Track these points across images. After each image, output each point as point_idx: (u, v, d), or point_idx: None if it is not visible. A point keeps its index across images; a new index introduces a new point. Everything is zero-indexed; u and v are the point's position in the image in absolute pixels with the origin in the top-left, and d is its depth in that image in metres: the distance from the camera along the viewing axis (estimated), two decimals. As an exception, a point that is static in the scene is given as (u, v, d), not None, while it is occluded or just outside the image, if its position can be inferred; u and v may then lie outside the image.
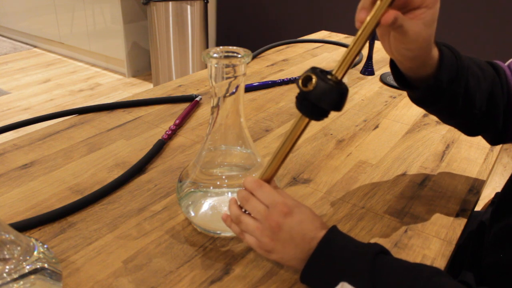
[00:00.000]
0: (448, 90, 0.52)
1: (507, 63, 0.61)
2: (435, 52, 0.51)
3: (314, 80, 0.42)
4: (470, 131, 0.63)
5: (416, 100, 0.57)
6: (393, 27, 0.44)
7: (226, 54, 0.51)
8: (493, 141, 0.64)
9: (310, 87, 0.42)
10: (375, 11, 0.42)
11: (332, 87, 0.42)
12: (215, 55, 0.50)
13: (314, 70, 0.42)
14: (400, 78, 0.57)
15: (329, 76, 0.43)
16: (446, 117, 0.60)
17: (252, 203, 0.47)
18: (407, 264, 0.44)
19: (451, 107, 0.55)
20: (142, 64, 3.17)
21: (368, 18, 0.42)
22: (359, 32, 0.43)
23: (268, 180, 0.49)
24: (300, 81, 0.43)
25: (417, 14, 0.46)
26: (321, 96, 0.42)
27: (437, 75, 0.51)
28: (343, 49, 1.38)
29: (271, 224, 0.46)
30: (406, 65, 0.52)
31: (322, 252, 0.45)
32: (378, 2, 0.42)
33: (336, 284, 0.42)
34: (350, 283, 0.41)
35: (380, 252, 0.44)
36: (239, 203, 0.49)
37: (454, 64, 0.52)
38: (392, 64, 0.56)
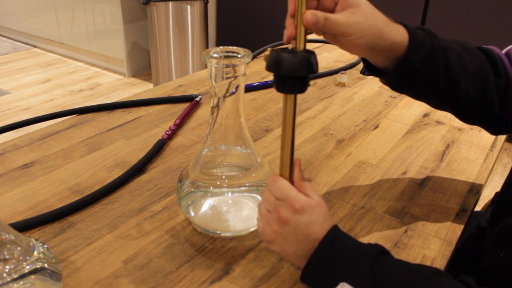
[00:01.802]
0: (422, 71, 0.52)
1: (504, 50, 0.60)
2: (401, 36, 0.50)
3: (269, 51, 0.44)
4: (465, 118, 0.61)
5: (394, 84, 0.56)
6: (319, 27, 0.46)
7: (226, 54, 0.51)
8: (494, 131, 0.62)
9: (267, 56, 0.44)
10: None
11: (296, 53, 0.43)
12: (215, 55, 0.50)
13: (271, 50, 0.45)
14: (374, 68, 0.56)
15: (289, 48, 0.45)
16: (435, 102, 0.59)
17: (264, 194, 0.48)
18: (407, 264, 0.44)
19: (433, 89, 0.54)
20: (142, 64, 3.17)
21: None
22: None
23: (286, 175, 0.48)
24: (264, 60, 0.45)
25: (339, 7, 0.47)
26: (292, 65, 0.43)
27: (407, 55, 0.51)
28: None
29: (279, 215, 0.46)
30: (371, 56, 0.52)
31: (322, 252, 0.45)
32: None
33: (336, 284, 0.42)
34: (350, 283, 0.41)
35: (381, 252, 0.44)
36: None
37: (427, 44, 0.52)
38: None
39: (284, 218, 0.45)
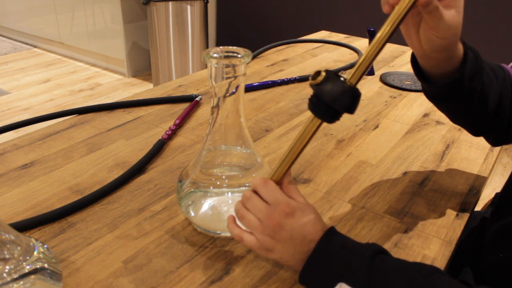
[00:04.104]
0: (468, 86, 0.53)
1: (510, 64, 0.61)
2: (460, 50, 0.51)
3: (323, 74, 0.42)
4: (477, 131, 0.63)
5: (435, 95, 0.57)
6: (428, 10, 0.44)
7: (226, 54, 0.51)
8: (495, 142, 0.64)
9: (319, 80, 0.42)
10: None
11: (345, 87, 0.42)
12: (215, 55, 0.50)
13: (327, 70, 0.43)
14: (420, 73, 0.56)
15: (342, 78, 0.43)
16: (457, 116, 0.60)
17: (253, 202, 0.47)
18: (405, 263, 0.44)
19: (467, 105, 0.55)
20: (142, 64, 3.17)
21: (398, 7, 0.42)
22: (389, 19, 0.43)
23: (278, 181, 0.48)
24: (311, 77, 0.43)
25: (448, 2, 0.46)
26: (334, 96, 0.42)
27: (462, 69, 0.51)
28: (343, 49, 1.38)
29: (273, 223, 0.46)
30: (433, 58, 0.52)
31: (320, 253, 0.45)
32: None
33: (335, 284, 0.42)
34: (348, 283, 0.41)
35: (378, 252, 0.44)
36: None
37: (474, 61, 0.53)
38: (413, 59, 0.56)
39: (278, 223, 0.45)
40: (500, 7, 2.12)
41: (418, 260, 0.53)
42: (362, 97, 1.00)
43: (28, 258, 0.42)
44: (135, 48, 3.08)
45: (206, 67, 0.53)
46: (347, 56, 1.30)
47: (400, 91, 1.05)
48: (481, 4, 2.15)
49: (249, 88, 1.02)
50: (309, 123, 0.45)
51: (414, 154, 0.77)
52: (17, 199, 0.61)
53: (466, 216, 0.62)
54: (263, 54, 1.30)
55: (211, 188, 0.56)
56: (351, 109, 0.43)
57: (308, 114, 0.91)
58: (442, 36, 0.47)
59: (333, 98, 0.42)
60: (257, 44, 2.25)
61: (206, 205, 0.56)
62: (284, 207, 0.45)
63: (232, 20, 3.14)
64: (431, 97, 0.58)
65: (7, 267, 0.40)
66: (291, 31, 2.83)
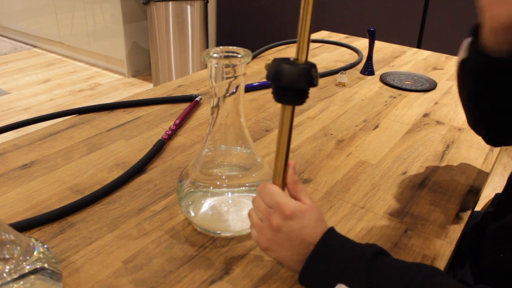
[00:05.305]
0: None
1: None
2: None
3: (272, 62, 0.44)
4: (498, 138, 0.62)
5: (488, 68, 0.51)
6: None
7: (226, 54, 0.51)
8: (496, 143, 0.63)
9: (268, 64, 0.44)
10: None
11: (297, 66, 0.43)
12: (215, 55, 0.50)
13: (274, 58, 0.45)
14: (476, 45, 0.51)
15: (291, 59, 0.44)
16: (490, 103, 0.55)
17: (255, 202, 0.48)
18: (404, 264, 0.44)
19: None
20: (142, 64, 3.17)
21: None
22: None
23: (279, 182, 0.48)
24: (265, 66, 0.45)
25: None
26: (292, 78, 0.43)
27: None
28: (343, 49, 1.38)
29: (271, 224, 0.46)
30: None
31: (319, 254, 0.45)
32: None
33: (334, 285, 0.42)
34: (348, 284, 0.41)
35: (378, 252, 0.44)
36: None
37: None
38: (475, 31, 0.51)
39: (276, 225, 0.45)
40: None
41: (418, 260, 0.53)
42: (362, 97, 1.00)
43: (28, 258, 0.42)
44: (135, 48, 3.08)
45: (206, 67, 0.53)
46: (347, 56, 1.30)
47: (400, 91, 1.05)
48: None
49: (249, 88, 1.02)
50: (283, 115, 0.46)
51: (414, 154, 0.77)
52: (17, 199, 0.61)
53: (466, 216, 0.62)
54: (263, 54, 1.30)
55: (211, 188, 0.56)
56: (313, 82, 0.44)
57: (308, 112, 0.92)
58: None
59: (292, 81, 0.43)
60: (257, 44, 2.25)
61: (206, 205, 0.56)
62: (284, 209, 0.45)
63: (232, 20, 3.14)
64: (481, 70, 0.52)
65: (7, 267, 0.40)
66: (291, 31, 2.83)
